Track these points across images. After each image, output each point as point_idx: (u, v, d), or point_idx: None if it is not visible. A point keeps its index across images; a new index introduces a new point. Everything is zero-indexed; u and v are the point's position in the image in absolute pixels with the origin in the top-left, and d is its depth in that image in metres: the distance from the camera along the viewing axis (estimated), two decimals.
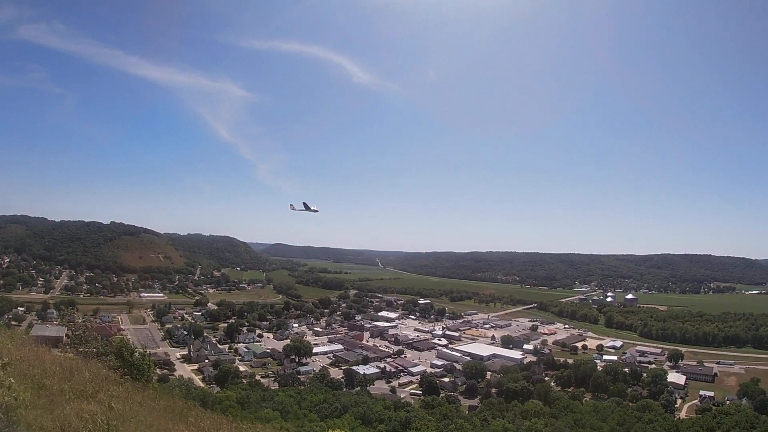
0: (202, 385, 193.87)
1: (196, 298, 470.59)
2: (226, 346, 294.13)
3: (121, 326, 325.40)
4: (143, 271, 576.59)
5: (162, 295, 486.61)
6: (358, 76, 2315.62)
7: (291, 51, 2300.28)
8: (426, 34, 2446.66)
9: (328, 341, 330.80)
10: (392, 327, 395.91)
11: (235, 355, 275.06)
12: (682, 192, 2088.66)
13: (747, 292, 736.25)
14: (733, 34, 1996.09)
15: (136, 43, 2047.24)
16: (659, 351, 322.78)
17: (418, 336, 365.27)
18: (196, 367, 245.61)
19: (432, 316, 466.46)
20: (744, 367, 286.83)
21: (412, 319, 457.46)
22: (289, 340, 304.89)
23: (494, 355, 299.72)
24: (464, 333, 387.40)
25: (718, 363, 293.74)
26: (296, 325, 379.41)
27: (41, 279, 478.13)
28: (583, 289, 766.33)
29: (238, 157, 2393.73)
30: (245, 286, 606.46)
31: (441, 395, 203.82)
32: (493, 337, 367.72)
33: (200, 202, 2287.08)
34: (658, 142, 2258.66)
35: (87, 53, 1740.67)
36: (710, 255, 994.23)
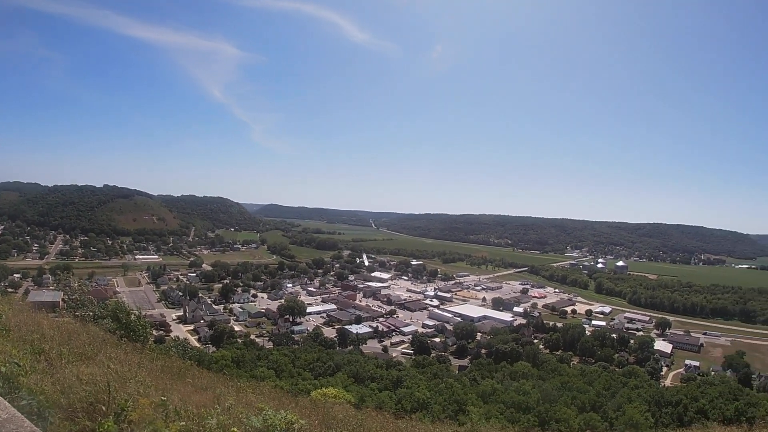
0: (197, 345, 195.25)
1: (191, 259, 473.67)
2: (221, 307, 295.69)
3: (117, 289, 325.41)
4: (137, 234, 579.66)
5: (157, 257, 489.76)
6: (354, 35, 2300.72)
7: (286, 8, 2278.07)
8: None
9: (321, 301, 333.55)
10: (385, 287, 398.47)
11: (230, 316, 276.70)
12: (676, 163, 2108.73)
13: (737, 266, 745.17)
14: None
15: (128, 3, 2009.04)
16: (647, 318, 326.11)
17: (410, 296, 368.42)
18: (191, 327, 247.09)
19: (424, 277, 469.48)
20: (730, 339, 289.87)
21: (405, 279, 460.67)
22: (283, 300, 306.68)
23: (485, 317, 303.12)
24: (456, 294, 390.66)
25: (704, 334, 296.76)
26: (290, 285, 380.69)
27: (36, 245, 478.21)
28: (575, 255, 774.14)
29: (231, 118, 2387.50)
30: (239, 246, 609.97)
31: (432, 355, 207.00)
32: (484, 299, 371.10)
33: (193, 163, 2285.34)
34: (654, 115, 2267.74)
35: (77, 15, 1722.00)
36: (702, 227, 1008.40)
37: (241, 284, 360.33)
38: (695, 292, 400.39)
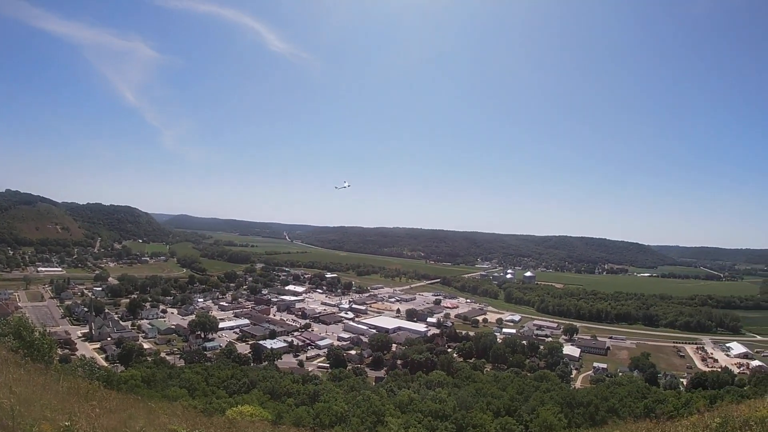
0: (105, 364, 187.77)
1: (96, 272, 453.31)
2: (129, 323, 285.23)
3: (19, 304, 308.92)
4: (40, 244, 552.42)
5: (60, 269, 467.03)
6: (274, 45, 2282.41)
7: (208, 12, 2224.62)
8: (347, 8, 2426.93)
9: (234, 316, 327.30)
10: (299, 301, 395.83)
11: (138, 332, 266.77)
12: (580, 178, 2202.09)
13: (639, 274, 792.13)
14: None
15: None
16: (555, 325, 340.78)
17: (325, 310, 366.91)
18: (98, 345, 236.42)
19: (339, 290, 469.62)
20: (635, 342, 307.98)
21: (319, 293, 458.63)
22: (194, 316, 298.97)
23: (399, 328, 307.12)
24: (370, 306, 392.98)
25: (610, 338, 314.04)
26: (201, 299, 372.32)
27: None
28: (485, 266, 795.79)
29: (142, 122, 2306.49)
30: (147, 259, 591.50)
31: (348, 367, 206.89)
32: (398, 311, 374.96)
33: (101, 169, 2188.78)
34: (558, 131, 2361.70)
35: None
36: (605, 239, 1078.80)
37: (149, 299, 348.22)
38: (600, 300, 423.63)
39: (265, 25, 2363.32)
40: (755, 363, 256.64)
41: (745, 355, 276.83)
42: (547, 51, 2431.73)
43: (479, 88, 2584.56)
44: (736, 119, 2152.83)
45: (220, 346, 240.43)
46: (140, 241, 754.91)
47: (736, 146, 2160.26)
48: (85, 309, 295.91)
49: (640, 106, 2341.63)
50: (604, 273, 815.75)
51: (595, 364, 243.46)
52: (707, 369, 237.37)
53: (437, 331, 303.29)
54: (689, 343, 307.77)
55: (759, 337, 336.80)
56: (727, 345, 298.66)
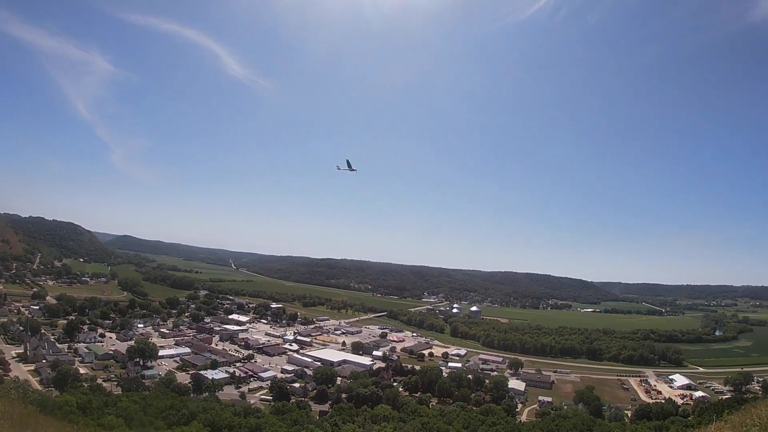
0: (39, 387, 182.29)
1: (34, 289, 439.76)
2: (66, 346, 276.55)
3: None
4: None
5: None
6: (233, 69, 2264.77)
7: (169, 31, 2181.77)
8: (306, 37, 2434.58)
9: (175, 344, 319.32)
10: (243, 331, 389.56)
11: (74, 356, 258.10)
12: (524, 216, 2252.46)
13: (582, 310, 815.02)
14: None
15: None
16: (501, 359, 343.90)
17: (269, 340, 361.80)
18: (32, 367, 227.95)
19: (284, 321, 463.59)
20: (579, 375, 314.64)
21: (264, 323, 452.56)
22: (133, 342, 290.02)
23: (344, 361, 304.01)
24: (316, 338, 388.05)
25: (555, 371, 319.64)
26: (141, 325, 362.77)
27: None
28: (431, 300, 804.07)
29: (92, 137, 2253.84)
30: (88, 279, 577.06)
31: (292, 401, 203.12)
32: (343, 344, 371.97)
33: (45, 181, 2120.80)
34: (501, 172, 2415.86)
35: None
36: (550, 275, 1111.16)
37: (87, 321, 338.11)
38: (544, 334, 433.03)
39: (226, 49, 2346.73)
40: (698, 394, 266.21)
41: (688, 387, 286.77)
42: (496, 92, 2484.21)
43: (432, 123, 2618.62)
44: (674, 160, 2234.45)
45: (160, 375, 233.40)
46: (81, 260, 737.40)
47: (675, 186, 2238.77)
48: (21, 328, 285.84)
49: (581, 146, 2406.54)
50: (549, 308, 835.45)
51: (541, 398, 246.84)
52: (651, 401, 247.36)
53: (383, 364, 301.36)
54: (633, 376, 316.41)
55: (702, 369, 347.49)
56: (671, 377, 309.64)
